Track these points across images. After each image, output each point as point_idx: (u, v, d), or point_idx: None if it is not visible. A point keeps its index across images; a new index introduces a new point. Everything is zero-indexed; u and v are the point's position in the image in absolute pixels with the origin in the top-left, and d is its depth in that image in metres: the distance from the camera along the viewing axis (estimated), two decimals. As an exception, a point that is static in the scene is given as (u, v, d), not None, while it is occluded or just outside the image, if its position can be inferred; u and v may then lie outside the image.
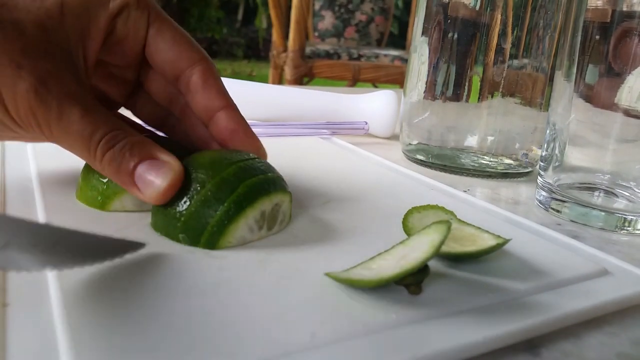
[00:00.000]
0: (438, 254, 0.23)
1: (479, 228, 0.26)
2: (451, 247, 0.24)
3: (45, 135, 0.24)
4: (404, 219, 0.27)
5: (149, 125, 0.33)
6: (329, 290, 0.21)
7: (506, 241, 0.25)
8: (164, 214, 0.25)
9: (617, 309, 0.23)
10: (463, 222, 0.27)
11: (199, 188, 0.24)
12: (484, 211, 0.33)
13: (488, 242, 0.25)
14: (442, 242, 0.21)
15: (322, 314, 0.19)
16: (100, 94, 0.31)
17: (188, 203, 0.24)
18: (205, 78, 0.28)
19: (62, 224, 0.24)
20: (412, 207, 0.28)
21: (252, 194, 0.24)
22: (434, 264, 0.24)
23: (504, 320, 0.20)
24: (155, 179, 0.24)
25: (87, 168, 0.28)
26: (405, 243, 0.23)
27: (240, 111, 0.29)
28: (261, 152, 0.30)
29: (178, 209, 0.24)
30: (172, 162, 0.24)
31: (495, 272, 0.24)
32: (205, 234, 0.24)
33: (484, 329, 0.20)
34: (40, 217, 0.26)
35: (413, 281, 0.21)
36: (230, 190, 0.24)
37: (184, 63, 0.28)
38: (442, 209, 0.28)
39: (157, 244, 0.24)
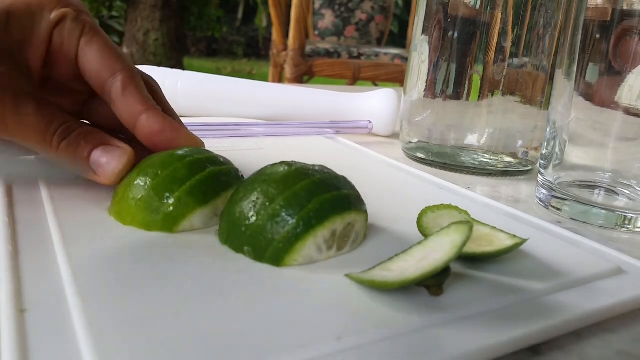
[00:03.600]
0: None
1: (494, 227, 0.26)
2: (468, 247, 0.24)
3: (1, 129, 0.26)
4: (418, 218, 0.27)
5: (109, 128, 0.32)
6: (350, 293, 0.21)
7: (523, 241, 0.25)
8: (231, 225, 0.24)
9: (637, 308, 0.23)
10: (478, 221, 0.27)
11: (267, 202, 0.23)
12: (497, 211, 0.33)
13: (505, 242, 0.25)
14: (464, 243, 0.20)
15: (345, 318, 0.19)
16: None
17: (255, 217, 0.23)
18: (125, 86, 0.28)
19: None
20: (426, 207, 0.28)
21: (323, 212, 0.23)
22: (451, 265, 0.24)
23: (528, 321, 0.20)
24: (111, 161, 0.26)
25: (143, 189, 0.25)
26: (423, 244, 0.22)
27: (243, 111, 0.30)
28: (194, 142, 0.30)
29: (246, 222, 0.23)
30: (124, 147, 0.26)
31: (513, 272, 0.24)
32: (270, 249, 0.23)
33: (508, 330, 0.20)
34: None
35: (434, 282, 0.21)
36: (300, 207, 0.23)
37: (107, 73, 0.28)
38: (456, 208, 0.28)
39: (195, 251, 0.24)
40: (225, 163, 0.28)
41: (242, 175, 0.28)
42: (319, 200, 0.23)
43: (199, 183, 0.26)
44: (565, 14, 0.38)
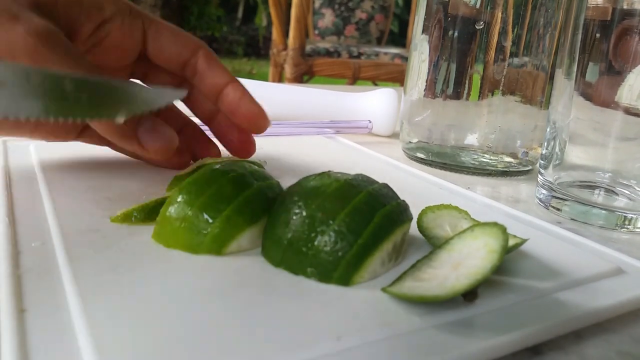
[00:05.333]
0: None
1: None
2: None
3: None
4: (418, 218, 0.27)
5: None
6: (350, 293, 0.21)
7: (523, 241, 0.25)
8: (287, 246, 0.22)
9: (637, 308, 0.23)
10: (477, 221, 0.27)
11: (329, 220, 0.22)
12: (497, 211, 0.33)
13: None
14: (504, 247, 0.20)
15: (345, 318, 0.19)
16: None
17: (318, 236, 0.22)
18: (209, 61, 0.31)
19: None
20: (426, 207, 0.28)
21: (389, 225, 0.22)
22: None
23: (528, 321, 0.20)
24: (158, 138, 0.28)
25: (187, 208, 0.24)
26: (448, 249, 0.22)
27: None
28: (263, 121, 0.32)
29: (308, 242, 0.22)
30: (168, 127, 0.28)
31: (513, 272, 0.24)
32: (339, 269, 0.21)
33: (508, 330, 0.20)
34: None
35: (470, 289, 0.20)
36: (366, 222, 0.22)
37: (187, 52, 0.31)
38: (456, 208, 0.28)
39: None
40: (267, 177, 0.26)
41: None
42: (382, 213, 0.22)
43: (247, 200, 0.24)
44: (566, 14, 0.38)
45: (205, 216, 0.23)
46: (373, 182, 0.25)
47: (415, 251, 0.25)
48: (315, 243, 0.22)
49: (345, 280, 0.22)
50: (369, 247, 0.22)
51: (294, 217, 0.23)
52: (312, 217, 0.22)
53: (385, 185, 0.25)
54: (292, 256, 0.22)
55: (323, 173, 0.25)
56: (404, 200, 0.25)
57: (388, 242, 0.22)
